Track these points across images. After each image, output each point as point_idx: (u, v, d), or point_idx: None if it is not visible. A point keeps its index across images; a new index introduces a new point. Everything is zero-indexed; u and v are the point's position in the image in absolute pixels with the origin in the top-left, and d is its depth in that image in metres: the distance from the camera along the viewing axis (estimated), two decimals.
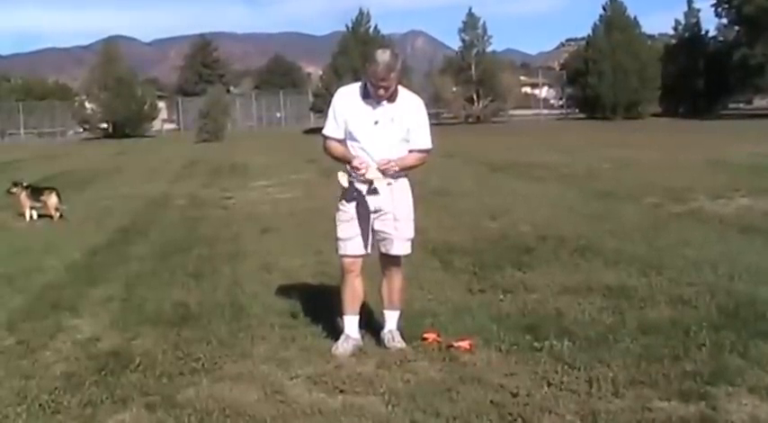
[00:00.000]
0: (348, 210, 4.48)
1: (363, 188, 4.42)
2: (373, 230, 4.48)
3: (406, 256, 4.61)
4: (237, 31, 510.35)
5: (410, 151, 4.46)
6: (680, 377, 3.85)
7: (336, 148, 4.48)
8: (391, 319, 4.62)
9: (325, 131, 4.50)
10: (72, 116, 50.47)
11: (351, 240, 4.47)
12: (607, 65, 44.33)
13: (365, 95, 4.37)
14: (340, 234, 4.51)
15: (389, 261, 4.57)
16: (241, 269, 6.96)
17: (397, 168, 4.38)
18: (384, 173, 4.35)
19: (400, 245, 4.51)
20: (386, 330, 4.60)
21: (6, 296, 6.20)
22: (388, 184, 4.39)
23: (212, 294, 6.00)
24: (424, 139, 4.49)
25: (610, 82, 43.96)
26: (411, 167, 4.51)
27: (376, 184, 4.36)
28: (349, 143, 4.43)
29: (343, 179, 4.44)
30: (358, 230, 4.45)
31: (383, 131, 4.36)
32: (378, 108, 4.35)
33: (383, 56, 4.22)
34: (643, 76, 44.25)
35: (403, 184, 4.52)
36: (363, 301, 4.65)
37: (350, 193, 4.46)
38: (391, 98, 4.35)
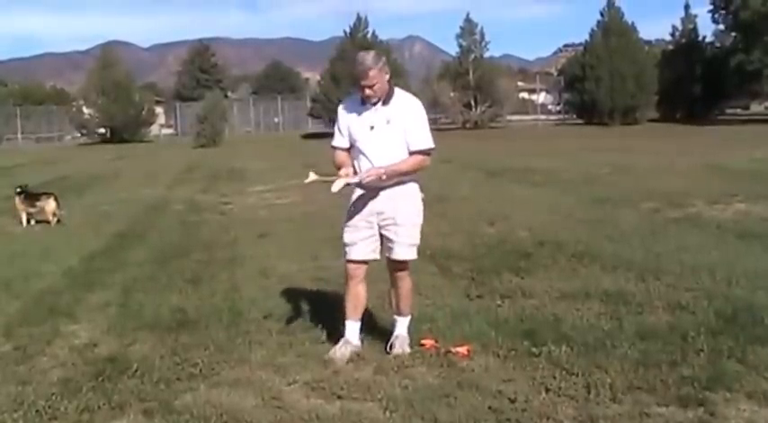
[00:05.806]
0: (353, 215, 4.51)
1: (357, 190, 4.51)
2: (381, 236, 4.49)
3: (410, 261, 4.57)
4: (235, 37, 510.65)
5: (410, 153, 4.40)
6: (678, 383, 3.85)
7: (337, 157, 4.55)
8: (399, 325, 4.63)
9: (333, 143, 4.59)
10: (70, 121, 50.43)
11: (355, 245, 4.49)
12: (604, 70, 44.32)
13: (363, 102, 4.43)
14: (345, 239, 4.53)
15: (393, 266, 4.56)
16: (239, 274, 6.95)
17: (384, 177, 4.30)
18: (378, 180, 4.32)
19: (401, 250, 4.47)
20: (393, 335, 4.61)
21: (3, 301, 6.18)
22: (348, 184, 4.37)
23: (210, 300, 6.00)
24: (421, 140, 4.39)
25: (607, 87, 43.94)
26: (407, 173, 4.42)
27: (337, 187, 4.31)
28: (353, 149, 4.51)
29: (310, 177, 4.47)
30: (362, 236, 4.48)
31: (380, 135, 4.38)
32: (373, 113, 4.39)
33: (362, 57, 4.33)
34: (640, 81, 44.24)
35: (407, 190, 4.47)
36: (366, 307, 4.65)
37: (355, 200, 4.51)
38: (386, 101, 4.38)
